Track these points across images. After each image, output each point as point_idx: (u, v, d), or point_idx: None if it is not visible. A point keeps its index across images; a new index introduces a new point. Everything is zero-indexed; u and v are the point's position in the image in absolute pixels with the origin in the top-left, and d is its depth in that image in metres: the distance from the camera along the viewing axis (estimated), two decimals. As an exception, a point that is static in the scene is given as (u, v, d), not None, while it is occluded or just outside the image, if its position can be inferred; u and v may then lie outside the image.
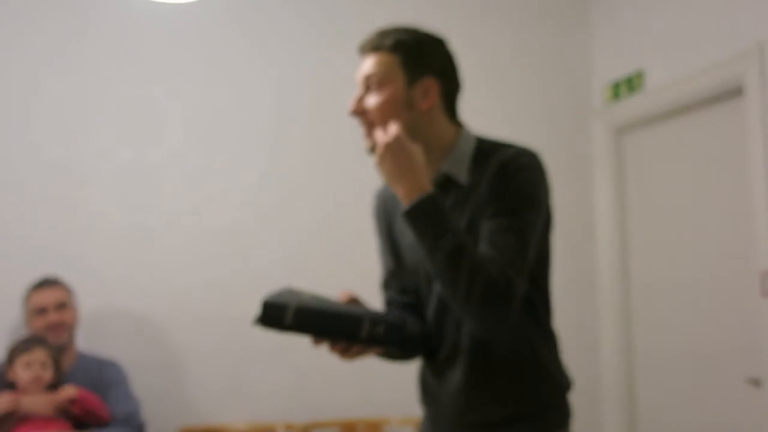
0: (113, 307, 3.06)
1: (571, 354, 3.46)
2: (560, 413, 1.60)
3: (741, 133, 2.81)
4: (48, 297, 2.76)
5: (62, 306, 2.78)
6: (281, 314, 1.39)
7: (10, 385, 2.55)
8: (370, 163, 1.59)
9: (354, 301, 1.57)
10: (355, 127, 1.74)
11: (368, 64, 1.57)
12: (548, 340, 1.61)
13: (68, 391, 2.53)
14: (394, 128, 1.48)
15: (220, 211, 3.21)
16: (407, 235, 1.62)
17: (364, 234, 2.22)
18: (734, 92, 2.87)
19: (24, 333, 2.80)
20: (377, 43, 1.56)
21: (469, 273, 1.39)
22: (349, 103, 1.59)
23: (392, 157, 1.46)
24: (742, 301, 2.81)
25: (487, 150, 1.56)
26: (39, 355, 2.55)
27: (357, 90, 1.59)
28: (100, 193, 3.10)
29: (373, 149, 1.53)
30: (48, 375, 2.56)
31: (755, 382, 2.74)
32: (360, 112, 1.58)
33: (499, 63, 3.57)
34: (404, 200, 1.46)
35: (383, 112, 1.54)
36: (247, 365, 3.16)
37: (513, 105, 3.56)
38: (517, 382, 1.55)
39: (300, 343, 2.60)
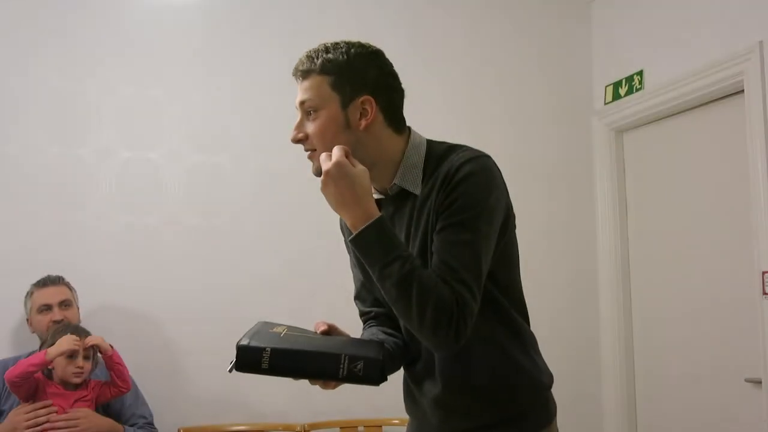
0: (112, 307, 3.05)
1: (571, 352, 3.50)
2: (542, 413, 1.58)
3: (741, 132, 2.80)
4: (52, 295, 2.75)
5: (66, 304, 2.77)
6: (257, 358, 1.37)
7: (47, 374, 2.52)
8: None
9: (332, 329, 1.54)
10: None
11: (301, 89, 1.54)
12: (521, 340, 1.56)
13: (102, 342, 2.52)
14: (335, 153, 1.43)
15: (220, 211, 3.21)
16: None
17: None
18: (734, 92, 2.87)
19: (25, 332, 2.81)
20: (307, 67, 1.52)
21: (418, 299, 1.36)
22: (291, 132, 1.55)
23: (334, 184, 1.42)
24: (743, 301, 2.80)
25: (437, 157, 1.53)
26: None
27: (297, 117, 1.56)
28: (99, 193, 3.09)
29: (318, 173, 1.48)
30: (89, 367, 2.54)
31: (755, 382, 2.74)
32: (302, 139, 1.55)
33: (499, 63, 3.57)
34: (350, 228, 1.44)
35: (323, 138, 1.50)
36: (247, 365, 3.15)
37: (513, 105, 3.57)
38: (494, 387, 1.53)
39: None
